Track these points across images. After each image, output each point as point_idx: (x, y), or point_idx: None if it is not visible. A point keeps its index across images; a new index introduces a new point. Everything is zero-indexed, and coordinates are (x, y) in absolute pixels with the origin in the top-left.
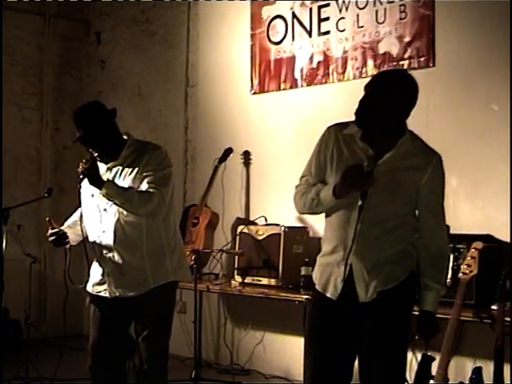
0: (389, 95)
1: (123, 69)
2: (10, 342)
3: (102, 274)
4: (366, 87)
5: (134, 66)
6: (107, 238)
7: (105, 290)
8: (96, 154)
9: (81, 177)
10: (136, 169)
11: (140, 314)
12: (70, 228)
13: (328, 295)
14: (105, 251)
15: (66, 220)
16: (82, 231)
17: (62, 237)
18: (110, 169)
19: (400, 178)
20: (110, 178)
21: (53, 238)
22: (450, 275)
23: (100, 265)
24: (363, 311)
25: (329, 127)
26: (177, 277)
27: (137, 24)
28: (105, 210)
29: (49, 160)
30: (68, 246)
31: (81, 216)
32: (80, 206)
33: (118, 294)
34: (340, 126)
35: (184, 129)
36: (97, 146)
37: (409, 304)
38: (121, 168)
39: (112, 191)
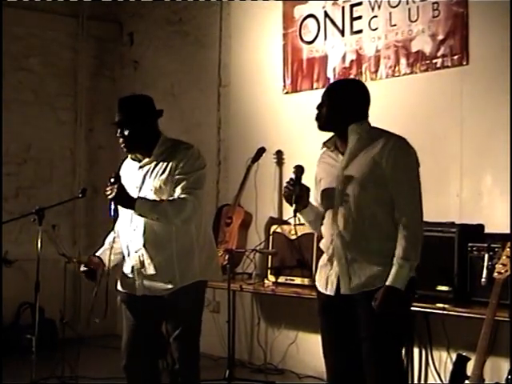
0: (336, 99)
1: (156, 69)
2: (45, 342)
3: (132, 273)
4: (322, 97)
5: (167, 66)
6: (137, 237)
7: (134, 288)
8: (124, 144)
9: (110, 202)
10: (168, 168)
11: (169, 314)
12: (108, 250)
13: (328, 292)
14: (134, 249)
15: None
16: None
17: (94, 272)
18: (142, 167)
19: (364, 169)
20: (141, 178)
21: (85, 275)
22: (485, 274)
23: (129, 263)
24: (357, 308)
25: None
26: (205, 276)
27: (169, 24)
28: None
29: (83, 160)
30: (101, 272)
31: (118, 233)
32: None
33: (146, 292)
34: (325, 144)
35: (217, 128)
36: (130, 134)
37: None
38: (152, 166)
39: (144, 210)
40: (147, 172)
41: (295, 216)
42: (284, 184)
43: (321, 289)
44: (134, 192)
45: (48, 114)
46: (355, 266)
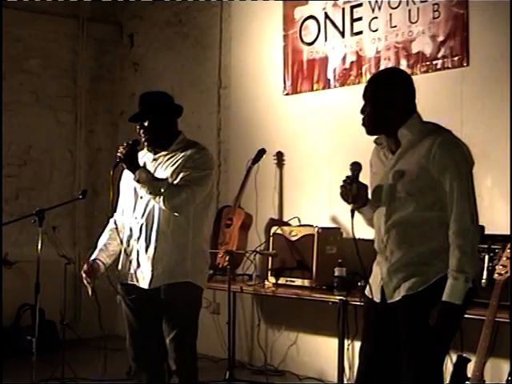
0: (370, 98)
1: (156, 71)
2: (45, 343)
3: (130, 262)
4: (363, 97)
5: (167, 67)
6: (137, 225)
7: (130, 278)
8: (144, 138)
9: (117, 160)
10: (179, 161)
11: (164, 313)
12: (103, 252)
13: (374, 299)
14: (133, 238)
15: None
16: (119, 237)
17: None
18: (156, 159)
19: (411, 169)
20: (153, 168)
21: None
22: (485, 276)
23: (128, 250)
24: (398, 312)
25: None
26: (195, 280)
27: (169, 26)
28: (141, 197)
29: (83, 162)
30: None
31: (116, 227)
32: (111, 194)
33: (135, 281)
34: (375, 141)
35: (217, 130)
36: (149, 128)
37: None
38: (166, 159)
39: (143, 177)
40: (159, 164)
41: (353, 216)
42: (284, 185)
43: (367, 292)
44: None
45: (48, 116)
46: (400, 273)
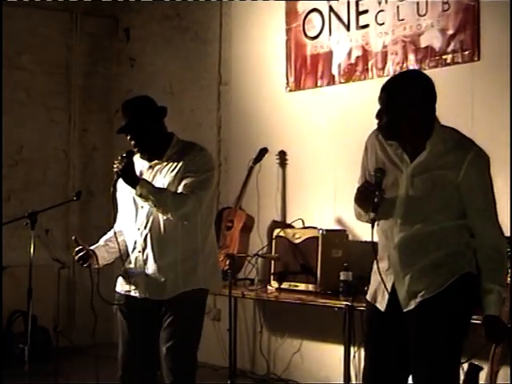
0: (397, 103)
1: (154, 66)
2: (38, 351)
3: (134, 273)
4: (378, 100)
5: (165, 63)
6: (141, 236)
7: (134, 289)
8: (137, 148)
9: (115, 177)
10: (178, 167)
11: (167, 320)
12: (103, 247)
13: (377, 305)
14: (138, 249)
15: (100, 238)
16: (117, 245)
17: (88, 255)
18: (152, 167)
19: (435, 179)
20: (151, 176)
21: (79, 255)
22: None
23: (132, 263)
24: (410, 319)
25: (373, 131)
26: (208, 285)
27: (167, 20)
28: (142, 207)
29: (77, 162)
30: (96, 267)
31: (114, 233)
32: (113, 209)
33: (147, 294)
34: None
35: (217, 128)
36: (141, 137)
37: (461, 308)
38: (164, 165)
39: (146, 191)
40: (157, 171)
41: (373, 226)
42: (287, 186)
43: (369, 298)
44: None
45: (40, 114)
46: (416, 280)
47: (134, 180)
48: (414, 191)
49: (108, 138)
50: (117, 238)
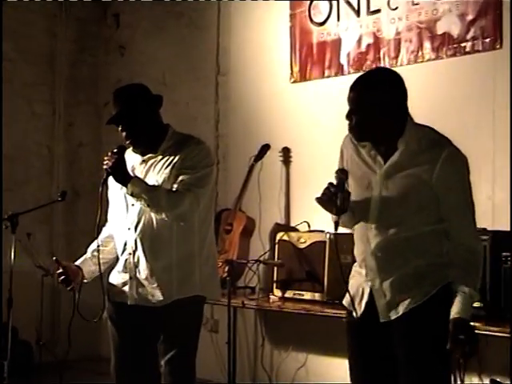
0: (366, 102)
1: (145, 55)
2: (19, 367)
3: (124, 278)
4: (347, 100)
5: (158, 51)
6: (132, 237)
7: (125, 295)
8: (128, 139)
9: (104, 174)
10: (173, 162)
11: (163, 331)
12: (90, 259)
13: (353, 312)
14: (128, 251)
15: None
16: (99, 263)
17: (73, 275)
18: (145, 161)
19: (409, 179)
20: (144, 172)
21: (61, 278)
22: None
23: (122, 266)
24: (391, 331)
25: (347, 134)
26: (205, 292)
27: (160, 4)
28: (133, 204)
29: (62, 159)
30: (86, 281)
31: (98, 246)
32: (99, 210)
33: (138, 300)
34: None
35: (215, 123)
36: (133, 128)
37: (445, 318)
38: (158, 160)
39: (138, 190)
40: (151, 166)
41: (337, 229)
42: (291, 185)
43: (346, 304)
44: None
45: (22, 107)
46: (396, 290)
47: (125, 178)
48: (388, 193)
49: (96, 132)
50: (99, 255)
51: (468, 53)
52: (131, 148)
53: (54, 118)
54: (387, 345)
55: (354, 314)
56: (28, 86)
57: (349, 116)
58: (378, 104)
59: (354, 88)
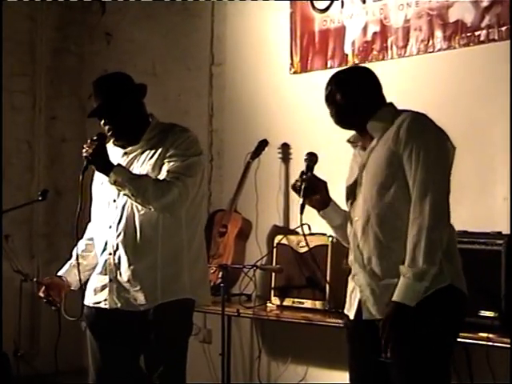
0: (329, 97)
1: (133, 44)
2: None
3: (103, 281)
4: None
5: (147, 40)
6: (113, 236)
7: (105, 299)
8: (111, 133)
9: (85, 163)
10: (158, 152)
11: (148, 339)
12: (74, 267)
13: (348, 314)
14: (108, 251)
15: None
16: (78, 274)
17: (58, 292)
18: (127, 154)
19: (380, 159)
20: (127, 165)
21: (44, 301)
22: None
23: (102, 268)
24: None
25: None
26: (195, 295)
27: None
28: (114, 200)
29: (43, 155)
30: (73, 288)
31: (77, 255)
32: (80, 204)
33: (119, 305)
34: (350, 140)
35: (208, 116)
36: (116, 121)
37: (439, 323)
38: (140, 152)
39: (122, 178)
40: (133, 158)
41: (302, 212)
42: (291, 185)
43: (346, 311)
44: None
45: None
46: (376, 284)
47: (106, 166)
48: (364, 181)
49: (80, 127)
50: (78, 265)
51: (482, 42)
52: (112, 140)
53: (34, 111)
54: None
55: (349, 314)
56: (6, 77)
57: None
58: (340, 100)
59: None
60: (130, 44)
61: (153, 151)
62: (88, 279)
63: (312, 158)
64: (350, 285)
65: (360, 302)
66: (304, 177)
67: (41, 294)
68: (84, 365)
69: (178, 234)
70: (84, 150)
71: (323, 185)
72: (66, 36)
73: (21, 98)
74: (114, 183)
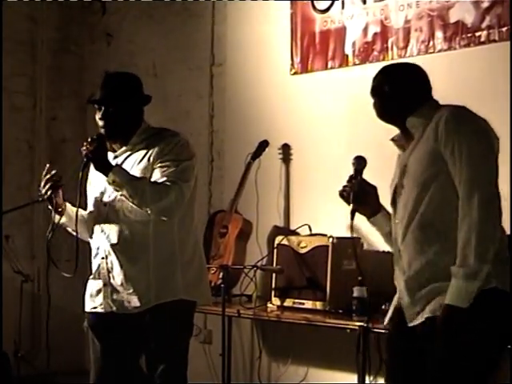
0: (375, 88)
1: (134, 44)
2: None
3: (98, 285)
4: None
5: (148, 40)
6: (104, 239)
7: (100, 304)
8: (105, 128)
9: (84, 160)
10: (147, 156)
11: (146, 342)
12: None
13: (385, 320)
14: (101, 255)
15: None
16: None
17: (58, 186)
18: (117, 157)
19: (421, 158)
20: None
21: (49, 184)
22: None
23: (95, 273)
24: (419, 337)
25: None
26: (191, 296)
27: None
28: (105, 204)
29: (43, 156)
30: (58, 218)
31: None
32: (78, 200)
33: (114, 308)
34: (393, 139)
35: (209, 117)
36: (114, 115)
37: (481, 330)
38: (127, 155)
39: (121, 179)
40: (123, 162)
41: (353, 218)
42: (292, 185)
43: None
44: (104, 185)
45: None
46: (421, 291)
47: (105, 165)
48: (406, 181)
49: (80, 127)
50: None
51: (483, 43)
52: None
53: (34, 111)
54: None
55: (386, 320)
56: (7, 77)
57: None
58: (383, 93)
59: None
60: (130, 44)
61: (142, 155)
62: (71, 229)
63: (360, 162)
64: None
65: (396, 307)
66: (353, 181)
67: (48, 176)
68: (84, 365)
69: (170, 236)
70: (83, 148)
71: (374, 190)
72: (67, 36)
73: (21, 98)
74: (113, 183)
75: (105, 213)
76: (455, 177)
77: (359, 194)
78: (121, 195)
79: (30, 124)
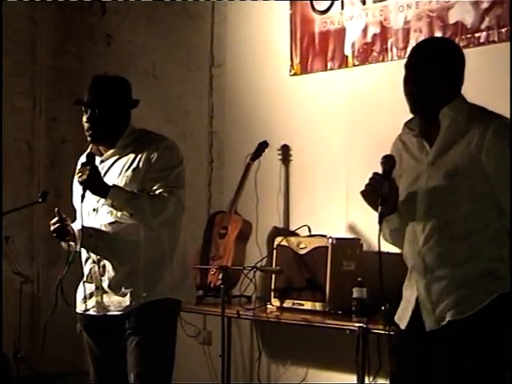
0: (421, 62)
1: (134, 45)
2: None
3: (90, 288)
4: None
5: (147, 41)
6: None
7: (93, 306)
8: (90, 131)
9: (83, 189)
10: (136, 162)
11: (131, 341)
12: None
13: (400, 324)
14: (92, 260)
15: None
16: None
17: (66, 227)
18: (103, 161)
19: (457, 164)
20: (103, 172)
21: (56, 226)
22: None
23: (87, 277)
24: (436, 342)
25: (398, 134)
26: (176, 295)
27: None
28: (94, 210)
29: (43, 157)
30: (71, 247)
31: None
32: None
33: (106, 310)
34: (407, 124)
35: (208, 118)
36: (100, 117)
37: (499, 335)
38: (114, 160)
39: (119, 200)
40: (109, 167)
41: (381, 223)
42: (291, 186)
43: (397, 318)
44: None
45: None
46: (442, 295)
47: (102, 189)
48: (434, 181)
49: (80, 128)
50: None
51: (482, 44)
52: (90, 147)
53: (34, 112)
54: (433, 358)
55: (401, 325)
56: (6, 78)
57: (405, 81)
58: (432, 70)
59: (412, 54)
60: (130, 45)
61: (130, 160)
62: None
63: (389, 162)
64: (407, 292)
65: (415, 312)
66: (385, 183)
67: (54, 220)
68: (84, 366)
69: (160, 238)
70: (78, 176)
71: (396, 192)
72: (66, 37)
73: (21, 98)
74: (111, 206)
75: (94, 218)
76: (497, 194)
77: (388, 198)
78: (122, 214)
79: (29, 125)
